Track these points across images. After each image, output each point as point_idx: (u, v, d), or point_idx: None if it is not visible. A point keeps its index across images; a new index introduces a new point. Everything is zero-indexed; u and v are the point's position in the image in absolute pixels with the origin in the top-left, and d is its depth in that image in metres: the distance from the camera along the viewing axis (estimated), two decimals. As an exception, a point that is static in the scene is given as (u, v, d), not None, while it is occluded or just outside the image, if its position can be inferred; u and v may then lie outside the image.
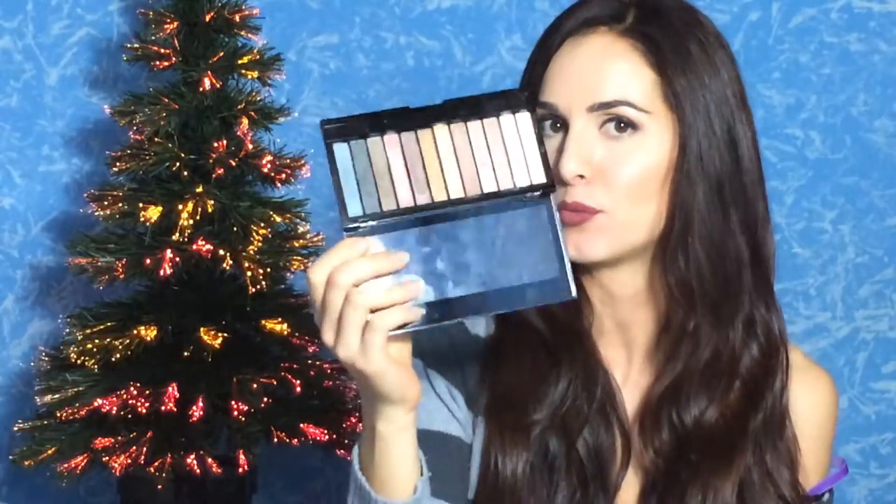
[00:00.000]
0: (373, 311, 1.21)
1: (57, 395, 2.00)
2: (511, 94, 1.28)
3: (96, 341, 2.00)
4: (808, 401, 1.44)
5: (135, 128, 2.02)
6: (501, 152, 1.26)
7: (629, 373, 1.43)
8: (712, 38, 1.40)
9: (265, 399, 1.99)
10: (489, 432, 1.40)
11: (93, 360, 2.00)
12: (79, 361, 2.00)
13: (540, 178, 1.26)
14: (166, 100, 2.01)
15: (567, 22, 1.39)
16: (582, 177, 1.34)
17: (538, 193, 1.26)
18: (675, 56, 1.36)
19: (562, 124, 1.37)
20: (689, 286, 1.37)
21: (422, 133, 1.24)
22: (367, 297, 1.20)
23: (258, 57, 2.07)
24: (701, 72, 1.37)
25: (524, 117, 1.27)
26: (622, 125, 1.35)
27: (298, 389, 2.01)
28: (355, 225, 1.22)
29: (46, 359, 2.08)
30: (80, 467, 1.98)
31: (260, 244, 2.01)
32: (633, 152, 1.35)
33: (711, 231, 1.36)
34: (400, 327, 1.22)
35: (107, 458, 1.96)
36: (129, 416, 1.97)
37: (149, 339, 1.98)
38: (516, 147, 1.26)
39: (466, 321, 1.43)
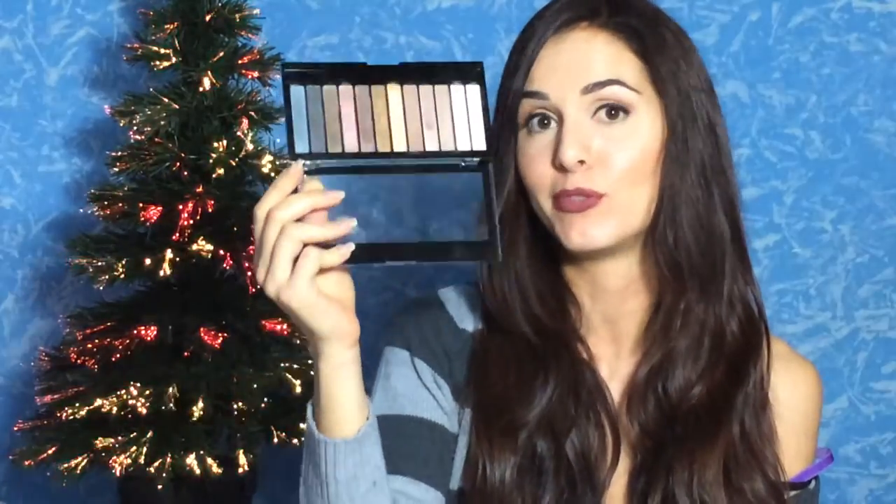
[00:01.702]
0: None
1: (57, 395, 2.00)
2: (464, 66, 1.32)
3: (96, 341, 2.00)
4: (793, 390, 1.46)
5: (135, 128, 2.02)
6: (448, 118, 1.30)
7: (617, 366, 1.45)
8: (677, 26, 1.45)
9: (265, 399, 1.99)
10: (477, 438, 1.41)
11: (93, 360, 2.00)
12: (79, 361, 2.00)
13: (481, 145, 1.30)
14: (166, 100, 2.02)
15: (544, 24, 1.42)
16: (582, 162, 1.36)
17: (477, 160, 1.30)
18: (655, 42, 1.40)
19: (552, 118, 1.39)
20: (679, 265, 1.40)
21: (375, 89, 1.29)
22: (303, 231, 1.22)
23: (258, 57, 2.07)
24: (678, 58, 1.41)
25: (474, 89, 1.31)
26: (614, 111, 1.38)
27: (298, 389, 2.01)
28: (301, 159, 1.27)
29: (46, 359, 2.08)
30: (80, 467, 1.98)
31: (260, 244, 2.01)
32: (627, 136, 1.38)
33: (698, 210, 1.39)
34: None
35: (107, 458, 1.95)
36: (129, 416, 1.97)
37: (149, 339, 1.98)
38: (462, 115, 1.30)
39: (452, 312, 1.46)
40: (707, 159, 1.40)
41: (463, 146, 1.30)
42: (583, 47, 1.39)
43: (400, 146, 1.28)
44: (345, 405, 1.29)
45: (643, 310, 1.44)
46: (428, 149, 1.29)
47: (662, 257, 1.40)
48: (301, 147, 1.27)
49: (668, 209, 1.39)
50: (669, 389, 1.41)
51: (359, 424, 1.29)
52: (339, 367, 1.28)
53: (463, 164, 1.30)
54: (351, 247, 1.24)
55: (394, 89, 1.30)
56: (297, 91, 1.28)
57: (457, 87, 1.31)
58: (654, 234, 1.40)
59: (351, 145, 1.27)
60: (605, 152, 1.37)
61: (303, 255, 1.22)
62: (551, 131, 1.39)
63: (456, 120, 1.30)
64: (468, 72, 1.32)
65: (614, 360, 1.45)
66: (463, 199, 1.29)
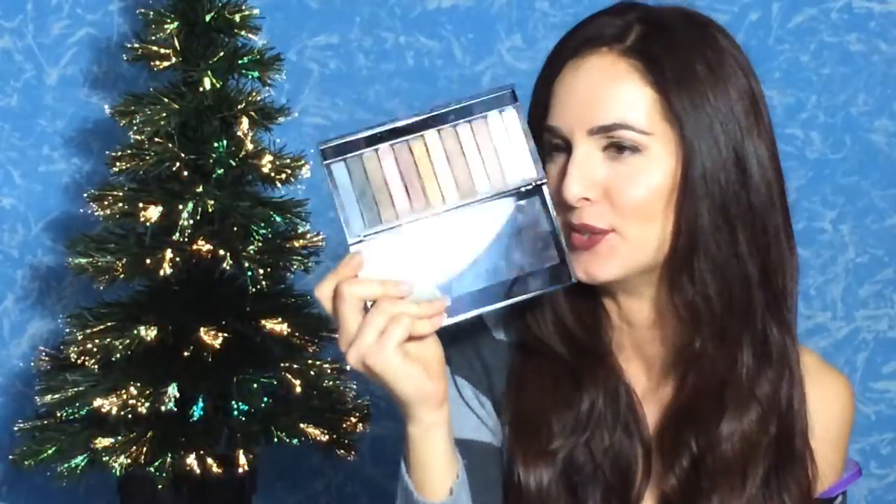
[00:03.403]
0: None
1: (57, 395, 2.00)
2: (496, 91, 1.31)
3: (96, 341, 2.00)
4: (824, 405, 1.43)
5: (135, 128, 2.02)
6: (491, 151, 1.29)
7: (648, 387, 1.43)
8: (723, 53, 1.36)
9: (265, 399, 1.99)
10: (511, 455, 1.39)
11: (93, 360, 2.00)
12: (79, 361, 2.00)
13: (530, 173, 1.29)
14: (166, 100, 2.01)
15: (570, 42, 1.38)
16: (587, 199, 1.33)
17: (531, 188, 1.29)
18: (677, 74, 1.33)
19: (566, 147, 1.36)
20: (696, 307, 1.35)
21: (413, 142, 1.28)
22: (395, 307, 1.24)
23: (258, 57, 2.07)
24: (705, 89, 1.33)
25: (510, 114, 1.30)
26: (623, 148, 1.33)
27: (298, 389, 2.01)
28: (359, 240, 1.27)
29: (46, 359, 2.08)
30: (80, 467, 1.98)
31: (260, 244, 2.01)
32: (636, 173, 1.33)
33: (716, 251, 1.33)
34: None
35: (107, 458, 1.95)
36: (129, 416, 1.97)
37: (149, 339, 1.98)
38: (505, 144, 1.30)
39: (488, 322, 1.44)
40: (730, 197, 1.33)
41: (512, 177, 1.29)
42: (596, 81, 1.34)
43: (451, 197, 1.29)
44: (435, 465, 1.31)
45: (667, 341, 1.40)
46: (480, 192, 1.29)
47: (679, 298, 1.35)
48: (356, 227, 1.27)
49: (685, 248, 1.33)
50: (700, 441, 1.37)
51: (450, 482, 1.32)
52: (429, 428, 1.30)
53: (521, 194, 1.30)
54: (444, 317, 1.26)
55: (432, 136, 1.29)
56: (338, 169, 1.28)
57: (493, 116, 1.30)
58: (670, 273, 1.35)
59: (403, 208, 1.28)
60: (611, 188, 1.33)
61: (394, 321, 1.23)
62: (563, 158, 1.35)
63: (500, 151, 1.30)
64: (501, 97, 1.30)
65: (646, 381, 1.43)
66: (523, 229, 1.30)
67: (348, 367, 2.08)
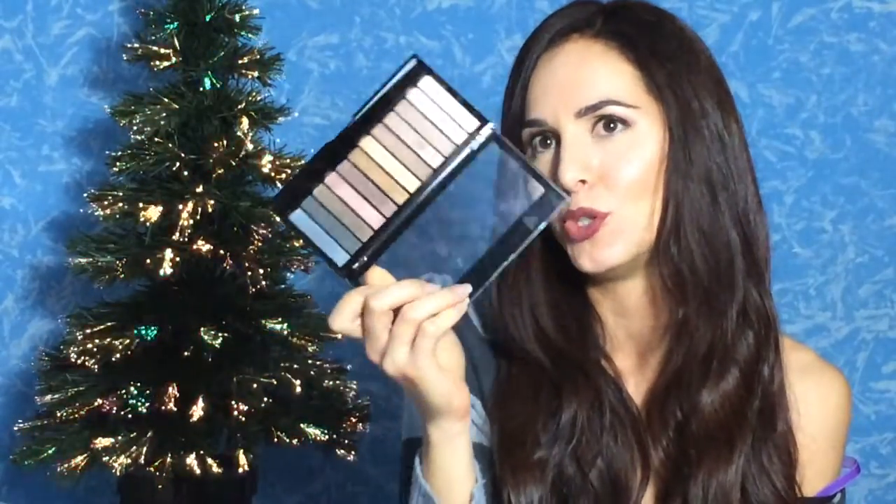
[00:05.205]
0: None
1: (57, 395, 2.00)
2: (405, 69, 1.27)
3: (96, 341, 2.00)
4: (819, 402, 1.43)
5: (135, 128, 2.02)
6: (428, 125, 1.26)
7: (642, 381, 1.43)
8: (684, 30, 1.41)
9: (265, 399, 1.99)
10: (500, 471, 1.38)
11: (93, 360, 2.00)
12: (79, 361, 2.00)
13: (471, 123, 1.25)
14: (166, 100, 2.02)
15: (538, 39, 1.40)
16: (584, 182, 1.34)
17: (486, 136, 1.25)
18: (651, 48, 1.36)
19: (552, 138, 1.37)
20: (683, 277, 1.36)
21: (353, 155, 1.26)
22: (418, 313, 1.21)
23: (258, 57, 2.07)
24: (679, 61, 1.37)
25: (427, 82, 1.26)
26: (612, 124, 1.35)
27: (298, 389, 2.01)
28: (350, 270, 1.25)
29: (46, 359, 2.08)
30: (80, 467, 1.98)
31: (260, 244, 2.01)
32: (628, 150, 1.35)
33: (701, 219, 1.36)
34: None
35: (107, 458, 1.95)
36: (129, 416, 1.97)
37: (149, 339, 1.98)
38: (437, 112, 1.26)
39: (473, 319, 1.43)
40: (714, 168, 1.36)
41: (457, 136, 1.26)
42: (574, 64, 1.36)
43: (412, 185, 1.26)
44: (456, 474, 1.31)
45: (662, 318, 1.41)
46: (435, 166, 1.26)
47: (667, 269, 1.36)
48: (340, 259, 1.25)
49: (672, 219, 1.35)
50: (683, 407, 1.38)
51: (469, 489, 1.31)
52: (451, 438, 1.29)
53: (474, 148, 1.26)
54: (466, 303, 1.23)
55: (367, 142, 1.27)
56: (298, 217, 1.26)
57: (413, 92, 1.26)
58: (658, 245, 1.36)
59: (375, 220, 1.26)
60: (606, 168, 1.34)
61: (420, 334, 1.21)
62: (550, 151, 1.37)
63: (436, 121, 1.27)
64: (411, 72, 1.26)
65: (640, 375, 1.43)
66: (495, 177, 1.26)
67: (349, 367, 2.10)
